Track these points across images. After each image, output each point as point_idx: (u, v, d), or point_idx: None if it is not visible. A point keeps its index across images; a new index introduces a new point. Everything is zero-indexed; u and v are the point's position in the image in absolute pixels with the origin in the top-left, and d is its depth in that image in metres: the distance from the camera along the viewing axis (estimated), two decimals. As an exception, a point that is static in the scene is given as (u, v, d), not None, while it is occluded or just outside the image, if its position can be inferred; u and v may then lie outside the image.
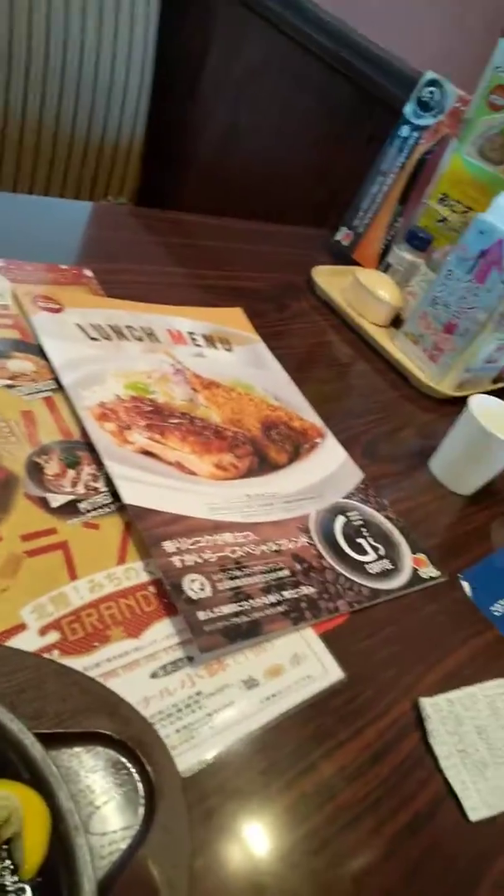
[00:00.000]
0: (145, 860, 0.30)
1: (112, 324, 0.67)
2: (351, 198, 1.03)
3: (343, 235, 1.04)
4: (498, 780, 0.44)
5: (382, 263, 1.00)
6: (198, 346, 0.71)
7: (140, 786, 0.33)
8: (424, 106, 0.91)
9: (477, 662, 0.51)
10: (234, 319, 0.79)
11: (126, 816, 0.32)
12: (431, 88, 0.90)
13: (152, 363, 0.65)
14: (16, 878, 0.28)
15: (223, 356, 0.72)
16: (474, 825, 0.41)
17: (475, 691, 0.49)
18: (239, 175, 1.48)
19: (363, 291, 0.90)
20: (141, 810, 0.33)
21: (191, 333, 0.72)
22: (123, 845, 0.31)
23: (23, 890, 0.28)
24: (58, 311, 0.65)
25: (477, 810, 0.42)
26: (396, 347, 0.87)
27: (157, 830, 0.32)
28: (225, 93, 1.46)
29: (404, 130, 0.94)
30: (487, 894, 0.39)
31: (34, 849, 0.28)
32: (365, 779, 0.41)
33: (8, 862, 0.28)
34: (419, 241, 0.91)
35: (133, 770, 0.34)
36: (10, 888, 0.27)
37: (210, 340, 0.73)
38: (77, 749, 0.34)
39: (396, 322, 0.92)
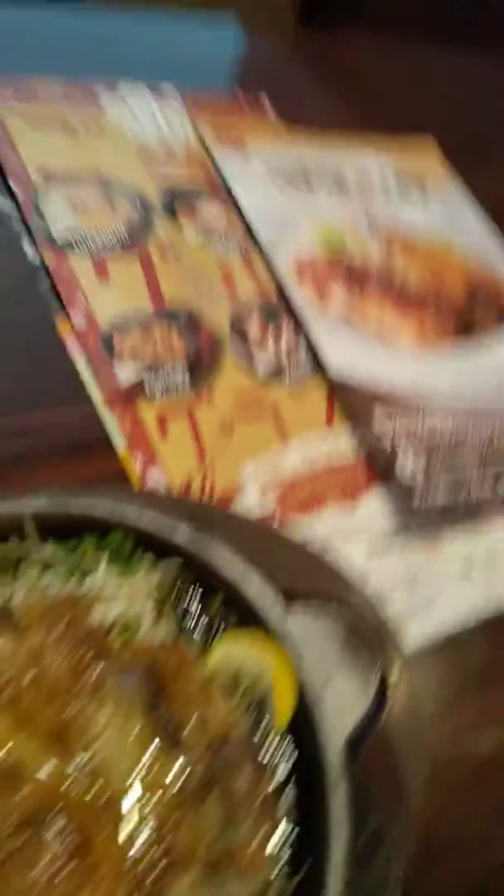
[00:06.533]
0: (385, 731, 0.30)
1: (300, 169, 0.61)
2: None
3: None
4: None
5: None
6: (389, 195, 0.64)
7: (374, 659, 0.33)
8: None
9: None
10: (425, 155, 0.69)
11: (358, 692, 0.33)
12: None
13: (345, 219, 0.59)
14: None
15: (418, 210, 0.64)
16: None
17: None
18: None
19: None
20: (373, 688, 0.33)
21: (382, 179, 0.64)
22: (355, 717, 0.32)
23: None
24: (242, 149, 0.60)
25: None
26: None
27: (396, 704, 0.32)
28: None
29: None
30: None
31: (284, 704, 0.29)
32: None
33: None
34: None
35: (362, 647, 0.34)
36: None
37: (403, 187, 0.64)
38: (309, 618, 0.34)
39: None
